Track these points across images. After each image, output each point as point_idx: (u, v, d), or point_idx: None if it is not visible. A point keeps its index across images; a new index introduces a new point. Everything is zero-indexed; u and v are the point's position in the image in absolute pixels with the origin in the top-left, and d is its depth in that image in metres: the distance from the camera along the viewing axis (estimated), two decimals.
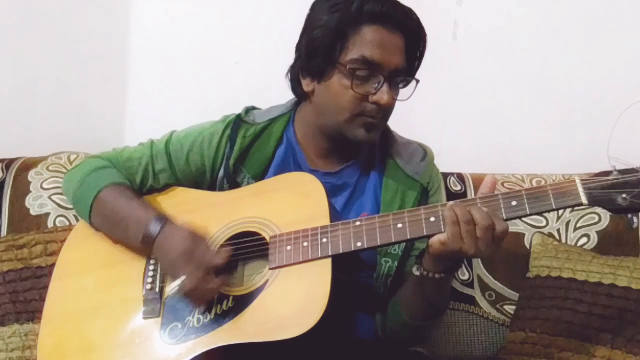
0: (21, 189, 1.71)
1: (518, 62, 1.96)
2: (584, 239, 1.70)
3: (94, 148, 1.46)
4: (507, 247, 1.69)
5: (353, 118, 1.26)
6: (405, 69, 1.27)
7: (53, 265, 1.39)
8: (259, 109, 1.42)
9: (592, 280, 1.55)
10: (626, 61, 1.92)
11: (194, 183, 1.38)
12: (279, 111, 1.39)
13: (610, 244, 1.68)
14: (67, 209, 1.68)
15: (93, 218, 1.32)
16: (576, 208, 1.68)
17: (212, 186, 1.37)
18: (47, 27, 1.93)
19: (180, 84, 2.01)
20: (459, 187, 1.78)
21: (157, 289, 1.24)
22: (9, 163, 1.75)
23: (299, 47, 1.32)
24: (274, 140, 1.36)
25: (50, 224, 1.67)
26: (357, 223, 1.17)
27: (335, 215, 1.23)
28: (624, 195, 1.06)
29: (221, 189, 1.35)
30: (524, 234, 1.73)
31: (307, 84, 1.31)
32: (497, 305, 1.71)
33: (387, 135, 1.39)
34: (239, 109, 1.40)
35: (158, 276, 1.26)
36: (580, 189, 1.08)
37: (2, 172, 1.73)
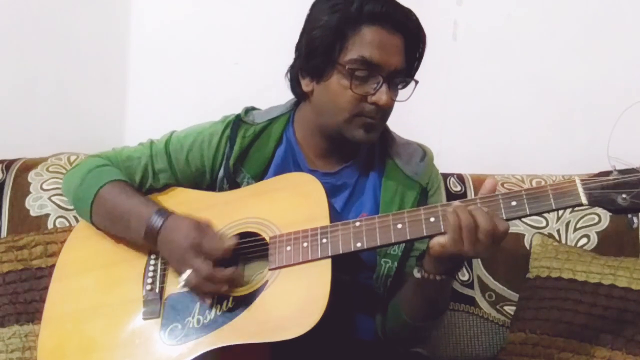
0: (21, 190, 1.71)
1: (518, 63, 1.96)
2: (584, 240, 1.70)
3: (94, 149, 1.45)
4: (507, 247, 1.69)
5: (352, 118, 1.26)
6: (404, 70, 1.27)
7: (53, 266, 1.39)
8: (258, 109, 1.43)
9: (592, 281, 1.55)
10: (626, 61, 1.92)
11: (194, 183, 1.38)
12: (279, 111, 1.39)
13: (610, 244, 1.68)
14: (67, 210, 1.68)
15: (94, 216, 1.32)
16: (576, 209, 1.68)
17: (211, 186, 1.37)
18: (47, 28, 1.93)
19: (180, 84, 2.01)
20: (459, 188, 1.78)
21: (157, 290, 1.24)
22: (9, 164, 1.75)
23: (298, 47, 1.32)
24: (274, 141, 1.36)
25: (50, 225, 1.67)
26: (357, 224, 1.17)
27: (335, 215, 1.23)
28: (624, 196, 1.06)
29: (221, 189, 1.36)
30: (524, 235, 1.73)
31: (306, 84, 1.31)
32: (497, 306, 1.71)
33: (387, 136, 1.39)
34: (238, 110, 1.40)
35: (158, 277, 1.26)
36: (580, 190, 1.08)
37: (2, 173, 1.73)
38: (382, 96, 1.23)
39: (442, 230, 1.11)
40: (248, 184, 1.33)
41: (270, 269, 1.18)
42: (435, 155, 1.43)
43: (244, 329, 1.14)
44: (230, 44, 2.01)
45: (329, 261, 1.15)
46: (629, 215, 1.09)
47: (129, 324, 1.23)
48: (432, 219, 1.13)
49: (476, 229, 1.08)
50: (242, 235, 1.24)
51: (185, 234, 1.19)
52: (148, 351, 1.19)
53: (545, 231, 1.73)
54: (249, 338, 1.13)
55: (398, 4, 1.26)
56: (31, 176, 1.72)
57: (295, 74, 1.33)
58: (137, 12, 2.00)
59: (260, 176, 1.34)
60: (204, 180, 1.38)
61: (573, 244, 1.70)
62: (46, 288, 1.35)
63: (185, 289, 1.20)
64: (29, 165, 1.75)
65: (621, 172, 1.08)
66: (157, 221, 1.22)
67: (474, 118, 2.00)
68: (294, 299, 1.14)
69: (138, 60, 2.02)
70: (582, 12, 1.94)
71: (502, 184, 1.76)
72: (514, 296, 1.69)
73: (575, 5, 1.94)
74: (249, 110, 1.41)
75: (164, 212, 1.24)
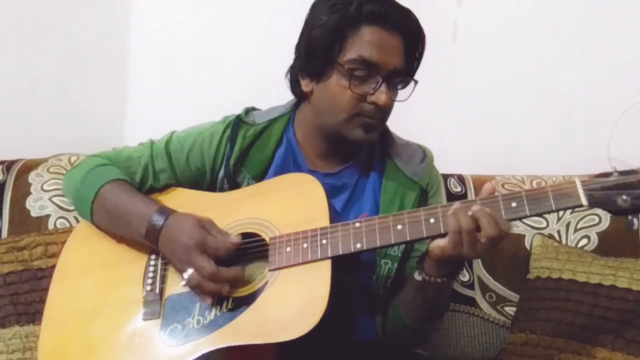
0: (22, 190, 1.71)
1: (518, 64, 1.96)
2: (585, 241, 1.70)
3: (94, 149, 1.45)
4: (507, 248, 1.70)
5: (351, 118, 1.26)
6: (404, 70, 1.27)
7: (53, 266, 1.39)
8: (258, 109, 1.43)
9: (592, 282, 1.55)
10: (626, 62, 1.92)
11: (194, 183, 1.38)
12: (279, 112, 1.39)
13: (610, 245, 1.68)
14: (67, 210, 1.68)
15: (94, 216, 1.32)
16: (576, 209, 1.68)
17: (212, 186, 1.37)
18: (47, 28, 1.93)
19: (181, 85, 2.01)
20: (459, 189, 1.78)
21: (157, 290, 1.24)
22: (9, 165, 1.75)
23: (298, 48, 1.32)
24: (274, 141, 1.36)
25: (50, 226, 1.67)
26: (357, 224, 1.17)
27: (335, 216, 1.23)
28: (624, 197, 1.06)
29: (221, 189, 1.36)
30: (524, 236, 1.73)
31: (306, 85, 1.31)
32: (498, 307, 1.71)
33: (387, 137, 1.39)
34: (239, 110, 1.41)
35: (158, 277, 1.26)
36: (581, 191, 1.08)
37: (3, 174, 1.73)
38: (381, 96, 1.23)
39: (442, 232, 1.11)
40: (248, 184, 1.33)
41: (270, 270, 1.18)
42: (435, 155, 1.43)
43: (244, 329, 1.14)
44: (230, 45, 2.01)
45: (328, 262, 1.15)
46: (630, 217, 1.09)
47: (129, 325, 1.22)
48: (432, 220, 1.13)
49: (477, 232, 1.08)
50: (243, 236, 1.24)
51: (189, 232, 1.19)
52: (148, 352, 1.19)
53: (546, 232, 1.73)
54: (249, 339, 1.13)
55: (397, 4, 1.26)
56: (32, 177, 1.72)
57: (295, 74, 1.33)
58: (137, 12, 2.00)
59: (260, 176, 1.34)
60: (204, 180, 1.38)
61: (573, 245, 1.70)
62: (47, 289, 1.35)
63: (187, 288, 1.20)
64: (30, 166, 1.75)
65: (621, 173, 1.08)
66: (159, 220, 1.22)
67: (474, 119, 2.00)
68: (294, 300, 1.14)
69: (138, 61, 2.02)
70: (582, 13, 1.94)
71: (503, 185, 1.76)
72: (515, 297, 1.69)
73: (575, 6, 1.94)
74: (249, 110, 1.41)
75: (166, 211, 1.24)
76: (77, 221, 1.51)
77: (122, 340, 1.21)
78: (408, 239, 1.15)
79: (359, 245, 1.16)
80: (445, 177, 1.77)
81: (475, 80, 1.98)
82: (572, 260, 1.62)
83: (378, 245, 1.16)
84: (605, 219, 1.70)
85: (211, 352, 1.13)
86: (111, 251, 1.32)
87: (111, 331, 1.23)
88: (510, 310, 1.69)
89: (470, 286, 1.72)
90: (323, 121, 1.30)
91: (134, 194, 1.30)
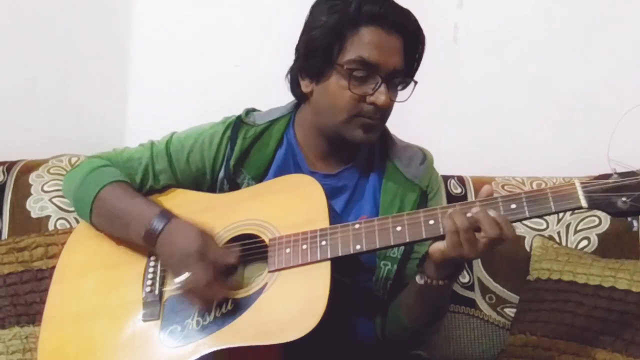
0: (22, 191, 1.71)
1: (518, 65, 1.96)
2: (585, 242, 1.70)
3: (94, 150, 1.45)
4: (507, 250, 1.70)
5: (351, 119, 1.26)
6: (403, 71, 1.27)
7: (54, 267, 1.39)
8: (259, 110, 1.43)
9: (592, 283, 1.55)
10: (626, 64, 1.92)
11: (194, 184, 1.38)
12: (279, 113, 1.39)
13: (610, 246, 1.67)
14: (67, 211, 1.68)
15: (94, 217, 1.31)
16: (577, 211, 1.68)
17: (212, 187, 1.37)
18: (48, 29, 1.93)
19: (181, 86, 2.01)
20: (459, 190, 1.78)
21: (156, 292, 1.24)
22: (9, 166, 1.75)
23: (298, 48, 1.32)
24: (274, 142, 1.36)
25: (51, 227, 1.68)
26: (357, 226, 1.17)
27: (335, 217, 1.23)
28: (624, 199, 1.06)
29: (221, 190, 1.36)
30: (524, 237, 1.73)
31: (305, 85, 1.31)
32: (498, 308, 1.70)
33: (387, 138, 1.39)
34: (239, 111, 1.41)
35: (158, 278, 1.26)
36: (580, 192, 1.08)
37: (3, 175, 1.73)
38: (380, 96, 1.23)
39: (441, 233, 1.11)
40: (248, 185, 1.33)
41: (269, 271, 1.18)
42: (435, 157, 1.43)
43: (243, 331, 1.14)
44: (230, 45, 2.01)
45: (328, 263, 1.15)
46: (629, 218, 1.09)
47: (128, 326, 1.22)
48: (431, 222, 1.13)
49: (475, 231, 1.08)
50: (242, 237, 1.24)
51: (190, 238, 1.18)
52: (147, 353, 1.19)
53: (546, 233, 1.72)
54: (249, 340, 1.13)
55: (396, 4, 1.26)
56: (32, 178, 1.72)
57: (295, 75, 1.33)
58: (137, 13, 2.00)
59: (260, 177, 1.34)
60: (205, 181, 1.38)
61: (573, 246, 1.70)
62: (47, 290, 1.35)
63: (179, 291, 1.20)
64: (30, 167, 1.75)
65: (621, 175, 1.08)
66: (158, 224, 1.22)
67: (474, 120, 2.00)
68: (293, 301, 1.14)
69: (139, 62, 2.02)
70: (582, 15, 1.94)
71: (503, 186, 1.76)
72: (515, 298, 1.69)
73: (575, 8, 1.93)
74: (249, 111, 1.41)
75: (166, 215, 1.23)
76: (78, 222, 1.51)
77: (121, 342, 1.21)
78: (407, 240, 1.15)
79: (358, 247, 1.16)
80: (446, 178, 1.77)
81: (475, 82, 1.98)
82: (572, 261, 1.61)
83: (377, 246, 1.16)
84: (605, 220, 1.69)
85: (211, 353, 1.13)
86: (111, 252, 1.32)
87: (111, 332, 1.23)
88: (510, 311, 1.68)
89: (470, 287, 1.72)
90: (323, 122, 1.30)
91: (134, 196, 1.30)
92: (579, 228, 1.72)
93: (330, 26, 1.23)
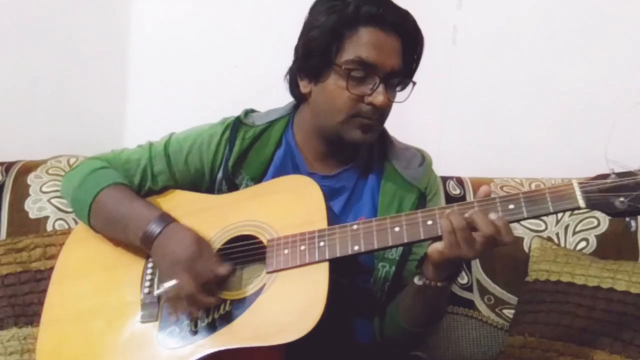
0: (20, 192, 1.71)
1: (517, 67, 1.97)
2: (583, 243, 1.70)
3: (93, 151, 1.45)
4: (506, 251, 1.69)
5: (349, 119, 1.26)
6: (402, 71, 1.27)
7: (52, 268, 1.39)
8: (258, 111, 1.43)
9: (591, 285, 1.55)
10: (624, 64, 1.92)
11: (193, 185, 1.37)
12: (278, 114, 1.39)
13: (609, 248, 1.68)
14: (66, 212, 1.68)
15: (92, 219, 1.31)
16: (575, 212, 1.68)
17: (210, 188, 1.37)
18: (48, 29, 1.93)
19: (180, 87, 2.01)
20: (458, 191, 1.78)
21: (154, 293, 1.23)
22: (8, 166, 1.75)
23: (297, 49, 1.32)
24: (273, 143, 1.36)
25: (49, 228, 1.68)
26: (355, 227, 1.17)
27: (333, 218, 1.23)
28: (621, 199, 1.06)
29: (220, 191, 1.35)
30: (523, 238, 1.73)
31: (304, 86, 1.31)
32: (496, 310, 1.71)
33: (385, 139, 1.39)
34: (238, 111, 1.40)
35: (156, 280, 1.26)
36: (578, 193, 1.08)
37: (2, 175, 1.73)
38: (378, 97, 1.23)
39: (440, 234, 1.11)
40: (247, 186, 1.33)
41: (267, 272, 1.18)
42: (434, 158, 1.43)
43: (241, 332, 1.14)
44: (230, 46, 2.01)
45: (326, 264, 1.15)
46: (627, 219, 1.08)
47: (127, 327, 1.22)
48: (429, 222, 1.13)
49: (470, 230, 1.07)
50: (240, 238, 1.24)
51: (184, 245, 1.18)
52: (146, 354, 1.19)
53: (544, 234, 1.73)
54: (247, 341, 1.12)
55: (395, 5, 1.26)
56: (30, 178, 1.72)
57: (294, 76, 1.33)
58: (137, 13, 2.00)
59: (259, 178, 1.34)
60: (203, 182, 1.38)
61: (572, 248, 1.70)
62: (45, 290, 1.35)
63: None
64: (29, 168, 1.75)
65: (619, 175, 1.08)
66: (156, 228, 1.22)
67: (473, 121, 2.00)
68: (291, 302, 1.14)
69: (138, 63, 2.02)
70: (581, 16, 1.94)
71: (502, 187, 1.76)
72: (513, 299, 1.69)
73: (574, 10, 1.94)
74: (248, 112, 1.41)
75: (165, 219, 1.23)
76: (76, 223, 1.51)
77: (120, 343, 1.21)
78: (406, 241, 1.14)
79: (356, 248, 1.15)
80: (444, 179, 1.77)
81: (474, 83, 1.98)
82: (571, 262, 1.62)
83: (376, 247, 1.15)
84: (604, 221, 1.70)
85: (209, 354, 1.13)
86: (109, 254, 1.32)
87: (109, 333, 1.23)
88: (509, 312, 1.68)
89: (469, 289, 1.72)
90: (321, 122, 1.30)
91: (133, 199, 1.30)
92: (577, 229, 1.72)
93: (329, 26, 1.23)
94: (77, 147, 1.82)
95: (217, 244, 1.24)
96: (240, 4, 2.01)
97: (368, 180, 1.36)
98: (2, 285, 1.56)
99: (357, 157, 1.36)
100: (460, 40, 1.98)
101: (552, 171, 1.81)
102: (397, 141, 1.41)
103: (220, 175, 1.35)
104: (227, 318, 1.16)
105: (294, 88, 1.34)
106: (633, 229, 1.09)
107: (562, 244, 1.71)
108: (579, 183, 1.09)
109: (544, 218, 1.74)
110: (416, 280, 1.19)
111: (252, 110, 1.42)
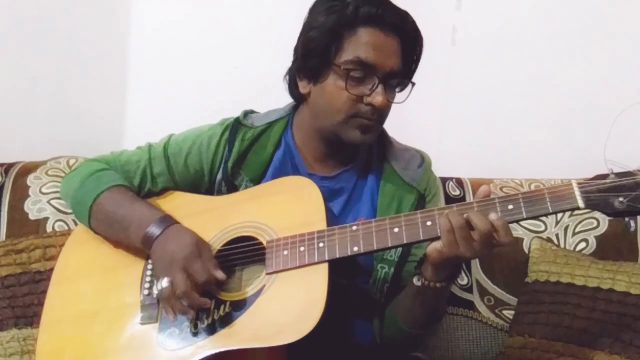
0: (20, 193, 1.71)
1: (516, 67, 1.97)
2: (583, 244, 1.70)
3: (93, 152, 1.45)
4: (505, 252, 1.70)
5: (348, 119, 1.26)
6: (401, 72, 1.27)
7: (52, 269, 1.39)
8: (257, 112, 1.43)
9: (590, 285, 1.55)
10: (623, 64, 1.92)
11: (192, 186, 1.37)
12: (278, 115, 1.39)
13: (608, 249, 1.68)
14: (66, 213, 1.68)
15: (92, 220, 1.31)
16: (575, 213, 1.68)
17: (210, 189, 1.37)
18: (48, 29, 1.93)
19: (180, 87, 2.01)
20: (457, 192, 1.78)
21: (154, 295, 1.23)
22: (8, 167, 1.75)
23: (296, 49, 1.32)
24: (272, 144, 1.36)
25: (49, 229, 1.68)
26: (354, 227, 1.17)
27: (332, 219, 1.23)
28: (621, 199, 1.06)
29: (219, 192, 1.35)
30: (522, 239, 1.73)
31: (303, 86, 1.31)
32: (496, 310, 1.70)
33: (384, 140, 1.39)
34: (238, 112, 1.40)
35: (155, 281, 1.25)
36: (577, 193, 1.08)
37: (1, 176, 1.73)
38: (377, 97, 1.23)
39: (439, 234, 1.11)
40: (246, 187, 1.33)
41: (267, 273, 1.18)
42: (434, 159, 1.42)
43: (241, 333, 1.14)
44: (230, 46, 2.01)
45: (326, 265, 1.15)
46: (627, 219, 1.08)
47: (126, 329, 1.22)
48: (428, 223, 1.13)
49: (469, 229, 1.07)
50: (240, 239, 1.24)
51: (183, 245, 1.19)
52: (146, 356, 1.19)
53: (544, 235, 1.73)
54: (246, 343, 1.12)
55: (394, 6, 1.26)
56: (30, 179, 1.73)
57: (293, 76, 1.33)
58: (137, 14, 2.00)
59: (258, 179, 1.34)
60: (203, 183, 1.38)
61: (572, 248, 1.70)
62: (45, 292, 1.35)
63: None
64: (28, 169, 1.75)
65: (618, 175, 1.08)
66: (157, 229, 1.22)
67: (472, 122, 2.00)
68: (291, 303, 1.14)
69: (138, 63, 2.02)
70: (580, 15, 1.94)
71: (501, 188, 1.76)
72: (513, 300, 1.69)
73: (573, 11, 1.94)
74: (247, 113, 1.41)
75: (167, 221, 1.24)
76: (76, 224, 1.51)
77: (119, 345, 1.21)
78: (405, 241, 1.14)
79: (356, 249, 1.15)
80: (444, 180, 1.77)
81: (473, 84, 1.98)
82: (571, 263, 1.62)
83: (375, 248, 1.15)
84: (604, 222, 1.70)
85: (209, 356, 1.13)
86: (109, 255, 1.32)
87: (109, 335, 1.22)
88: (509, 313, 1.68)
89: (469, 290, 1.72)
90: (320, 123, 1.30)
91: (134, 200, 1.30)
92: (577, 230, 1.72)
93: (328, 27, 1.23)
94: (77, 148, 1.82)
95: (217, 245, 1.24)
96: (240, 4, 2.01)
97: (367, 181, 1.36)
98: (1, 286, 1.56)
99: (357, 158, 1.36)
100: (459, 40, 1.98)
101: (552, 171, 1.81)
102: (397, 142, 1.41)
103: (219, 176, 1.35)
104: (227, 319, 1.15)
105: (293, 88, 1.34)
106: (632, 229, 1.09)
107: (562, 245, 1.71)
108: (578, 183, 1.09)
109: (544, 219, 1.74)
110: (415, 280, 1.19)
111: (252, 111, 1.42)
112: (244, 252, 1.23)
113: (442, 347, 1.68)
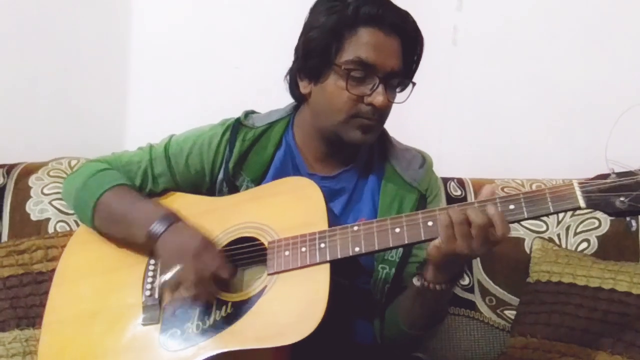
0: (22, 194, 1.71)
1: (517, 67, 1.97)
2: (584, 244, 1.70)
3: (94, 153, 1.46)
4: (507, 252, 1.70)
5: (348, 119, 1.26)
6: (401, 72, 1.27)
7: (54, 270, 1.39)
8: (258, 112, 1.43)
9: (592, 286, 1.55)
10: (624, 65, 1.92)
11: (193, 187, 1.38)
12: (279, 115, 1.39)
13: (610, 249, 1.68)
14: (67, 214, 1.68)
15: (96, 220, 1.31)
16: (576, 213, 1.68)
17: (211, 189, 1.37)
18: (48, 30, 1.93)
19: (181, 88, 2.01)
20: (459, 192, 1.78)
21: (156, 295, 1.23)
22: (9, 168, 1.75)
23: (297, 49, 1.32)
24: (273, 144, 1.36)
25: (51, 230, 1.68)
26: (355, 228, 1.17)
27: (334, 219, 1.23)
28: (622, 199, 1.06)
29: (220, 192, 1.36)
30: (524, 239, 1.73)
31: (304, 86, 1.31)
32: (498, 311, 1.70)
33: (385, 140, 1.39)
34: (239, 113, 1.41)
35: (157, 282, 1.25)
36: (578, 193, 1.08)
37: (3, 177, 1.74)
38: (378, 97, 1.23)
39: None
40: (247, 187, 1.33)
41: (268, 274, 1.18)
42: (435, 159, 1.42)
43: (243, 334, 1.14)
44: (230, 47, 2.01)
45: (327, 266, 1.15)
46: (628, 218, 1.08)
47: (128, 330, 1.22)
48: (429, 223, 1.13)
49: (468, 225, 1.07)
50: (241, 240, 1.24)
51: (192, 239, 1.20)
52: (148, 356, 1.18)
53: (546, 235, 1.73)
54: (248, 343, 1.12)
55: (395, 6, 1.26)
56: (32, 180, 1.73)
57: (294, 76, 1.33)
58: (137, 14, 2.00)
59: (259, 179, 1.34)
60: (204, 183, 1.38)
61: (573, 249, 1.70)
62: (47, 292, 1.35)
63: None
64: (30, 170, 1.75)
65: (619, 174, 1.08)
66: (161, 226, 1.22)
67: (473, 122, 2.00)
68: (292, 304, 1.14)
69: (139, 64, 2.02)
70: (581, 16, 1.94)
71: (503, 188, 1.76)
72: (515, 300, 1.69)
73: (574, 11, 1.94)
74: (248, 113, 1.41)
75: (171, 217, 1.24)
76: (78, 225, 1.51)
77: (121, 346, 1.21)
78: (406, 242, 1.14)
79: (357, 249, 1.15)
80: (445, 180, 1.77)
81: (474, 84, 1.98)
82: (572, 263, 1.61)
83: (376, 248, 1.15)
84: (605, 222, 1.70)
85: (211, 357, 1.13)
86: (111, 256, 1.32)
87: (111, 336, 1.22)
88: (510, 313, 1.68)
89: (470, 290, 1.72)
90: (321, 123, 1.30)
91: (137, 199, 1.30)
92: (578, 230, 1.72)
93: (329, 27, 1.24)
94: (78, 149, 1.82)
95: (219, 245, 1.24)
96: (240, 5, 2.01)
97: (368, 181, 1.36)
98: (4, 287, 1.57)
99: (357, 158, 1.36)
100: (460, 41, 1.98)
101: (553, 171, 1.81)
102: (398, 142, 1.41)
103: (220, 176, 1.35)
104: (229, 320, 1.15)
105: (294, 88, 1.34)
106: (634, 228, 1.09)
107: (564, 245, 1.71)
108: (579, 183, 1.09)
109: (545, 219, 1.74)
110: (415, 280, 1.19)
111: (252, 112, 1.42)
112: (246, 253, 1.23)
113: (444, 347, 1.68)
